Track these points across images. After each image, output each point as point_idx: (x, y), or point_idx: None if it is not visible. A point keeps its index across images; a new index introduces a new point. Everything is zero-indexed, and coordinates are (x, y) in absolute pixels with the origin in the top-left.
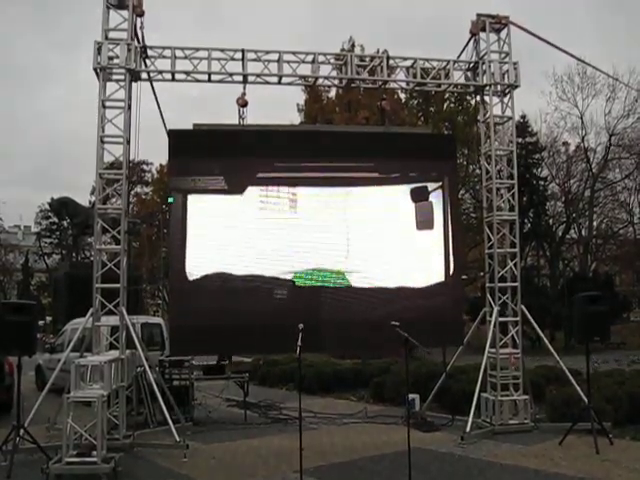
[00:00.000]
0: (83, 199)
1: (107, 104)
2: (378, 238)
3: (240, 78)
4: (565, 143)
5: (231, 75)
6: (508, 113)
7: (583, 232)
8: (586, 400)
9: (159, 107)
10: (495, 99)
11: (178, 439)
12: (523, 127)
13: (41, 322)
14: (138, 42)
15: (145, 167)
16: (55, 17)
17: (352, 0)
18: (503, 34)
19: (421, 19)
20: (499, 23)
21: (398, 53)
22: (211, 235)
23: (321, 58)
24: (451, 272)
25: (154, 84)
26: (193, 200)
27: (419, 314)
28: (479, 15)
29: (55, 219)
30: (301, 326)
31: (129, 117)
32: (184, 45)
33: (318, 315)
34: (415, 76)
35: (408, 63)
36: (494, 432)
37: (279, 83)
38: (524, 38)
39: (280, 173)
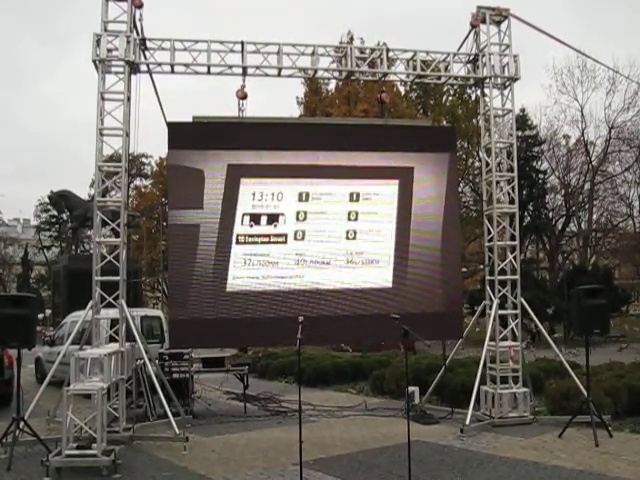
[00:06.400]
0: (82, 192)
1: (106, 96)
2: (377, 231)
3: (239, 70)
4: (565, 136)
5: (230, 67)
6: (508, 106)
7: (583, 225)
8: (585, 393)
9: (159, 99)
10: (495, 92)
11: (178, 432)
12: (523, 120)
13: (41, 315)
14: (137, 34)
15: (144, 160)
16: (52, 9)
17: None
18: (503, 26)
19: (420, 11)
20: (499, 15)
21: (397, 46)
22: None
23: (321, 50)
24: (450, 265)
25: (153, 76)
26: None
27: (419, 307)
28: (479, 7)
29: (54, 212)
30: (301, 319)
31: (128, 109)
32: (183, 37)
33: (318, 308)
34: (415, 68)
35: (408, 55)
36: (493, 425)
37: (279, 75)
38: (525, 30)
39: (279, 167)
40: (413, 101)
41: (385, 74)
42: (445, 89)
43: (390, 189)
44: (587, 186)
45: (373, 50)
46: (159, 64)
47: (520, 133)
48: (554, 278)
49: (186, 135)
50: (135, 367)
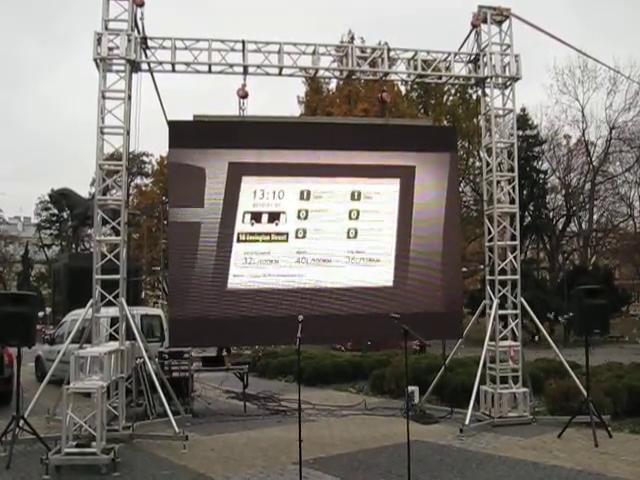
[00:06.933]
0: (83, 191)
1: (107, 95)
2: (379, 230)
3: (240, 69)
4: (566, 136)
5: (231, 66)
6: (509, 106)
7: (583, 225)
8: (585, 393)
9: (159, 98)
10: (496, 91)
11: (177, 430)
12: (523, 120)
13: (41, 313)
14: (138, 33)
15: (145, 158)
16: (52, 9)
17: None
18: (504, 26)
19: (421, 11)
20: (500, 15)
21: (398, 45)
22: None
23: (322, 49)
24: (450, 265)
25: (154, 75)
26: None
27: (419, 307)
28: (480, 7)
29: (55, 210)
30: (301, 318)
31: (129, 108)
32: (184, 36)
33: (319, 307)
34: (416, 68)
35: (409, 55)
36: (493, 425)
37: (280, 74)
38: (526, 30)
39: (280, 165)
40: (414, 101)
41: (386, 74)
42: (446, 89)
43: (391, 188)
44: (588, 186)
45: (374, 49)
46: (160, 63)
47: (521, 133)
48: (554, 278)
49: (187, 134)
50: (135, 366)
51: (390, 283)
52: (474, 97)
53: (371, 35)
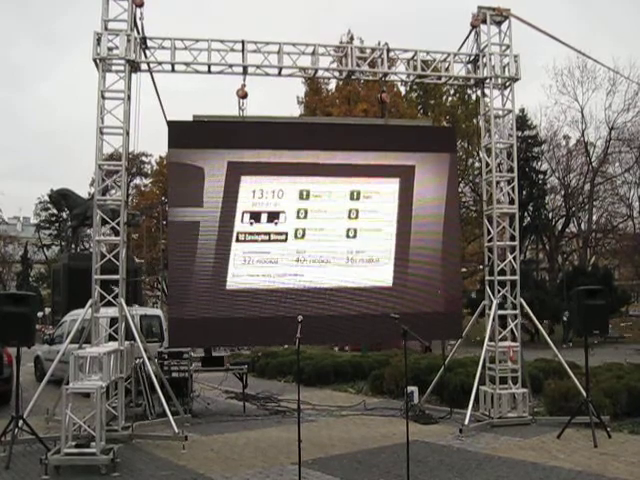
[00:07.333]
0: (83, 191)
1: (106, 95)
2: (378, 230)
3: (240, 69)
4: (565, 137)
5: (231, 66)
6: (508, 106)
7: (582, 226)
8: (584, 394)
9: (159, 98)
10: (495, 92)
11: (177, 431)
12: (523, 120)
13: (40, 313)
14: (138, 33)
15: (144, 159)
16: (53, 9)
17: None
18: (504, 26)
19: (421, 11)
20: (500, 15)
21: (397, 46)
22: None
23: (321, 50)
24: (450, 265)
25: (154, 75)
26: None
27: (419, 307)
28: (480, 7)
29: (54, 210)
30: (300, 318)
31: (129, 108)
32: (184, 36)
33: (318, 307)
34: (415, 68)
35: (408, 55)
36: (492, 425)
37: (279, 75)
38: (525, 30)
39: (279, 165)
40: (413, 101)
41: (385, 74)
42: (445, 89)
43: (391, 187)
44: (587, 187)
45: (374, 50)
46: (159, 63)
47: (520, 133)
48: (554, 279)
49: (186, 134)
50: (134, 366)
51: (390, 283)
52: (473, 97)
53: (371, 35)
